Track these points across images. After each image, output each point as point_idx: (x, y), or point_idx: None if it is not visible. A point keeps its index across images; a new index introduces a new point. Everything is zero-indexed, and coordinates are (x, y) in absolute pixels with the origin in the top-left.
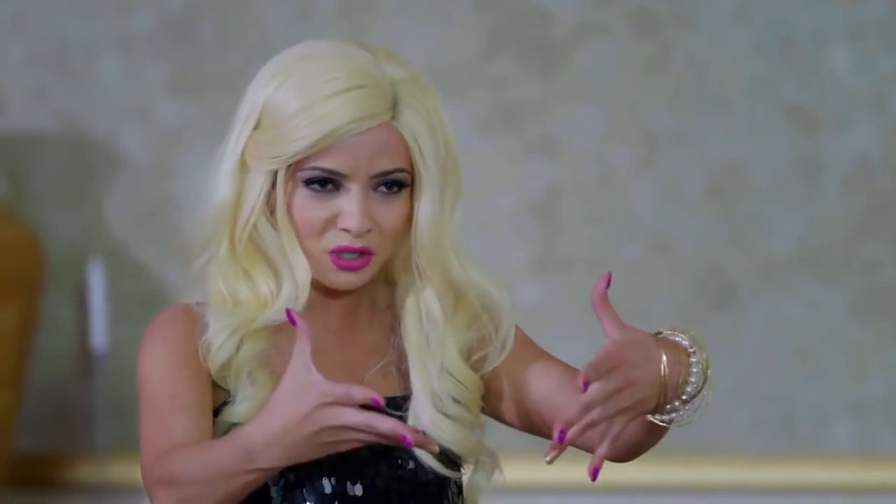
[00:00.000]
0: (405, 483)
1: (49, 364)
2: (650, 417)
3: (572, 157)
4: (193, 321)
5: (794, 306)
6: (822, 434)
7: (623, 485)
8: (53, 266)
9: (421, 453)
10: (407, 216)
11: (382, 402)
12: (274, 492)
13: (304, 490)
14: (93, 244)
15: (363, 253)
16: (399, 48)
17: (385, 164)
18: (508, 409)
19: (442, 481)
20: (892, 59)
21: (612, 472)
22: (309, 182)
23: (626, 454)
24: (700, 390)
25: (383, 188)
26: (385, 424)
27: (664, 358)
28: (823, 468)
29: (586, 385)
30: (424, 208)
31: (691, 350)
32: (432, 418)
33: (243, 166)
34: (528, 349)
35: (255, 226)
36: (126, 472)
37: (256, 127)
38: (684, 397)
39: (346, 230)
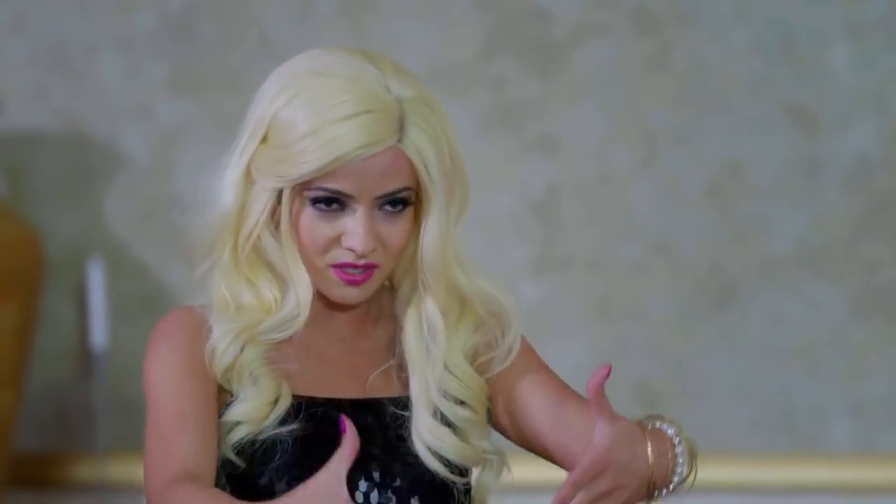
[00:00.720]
0: (412, 482)
1: (49, 363)
2: None
3: (572, 157)
4: (198, 325)
5: (794, 305)
6: (821, 433)
7: None
8: (53, 265)
9: (427, 458)
10: (410, 232)
11: None
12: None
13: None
14: (93, 243)
15: (367, 267)
16: (399, 48)
17: (391, 185)
18: (502, 418)
19: (445, 479)
20: (892, 58)
21: None
22: (315, 201)
23: None
24: (686, 477)
25: (388, 207)
26: None
27: (650, 453)
28: (823, 467)
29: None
30: (431, 227)
31: (676, 439)
32: (430, 428)
33: (248, 178)
34: (528, 361)
35: (258, 237)
36: (126, 471)
37: (263, 141)
38: (671, 486)
39: (350, 249)
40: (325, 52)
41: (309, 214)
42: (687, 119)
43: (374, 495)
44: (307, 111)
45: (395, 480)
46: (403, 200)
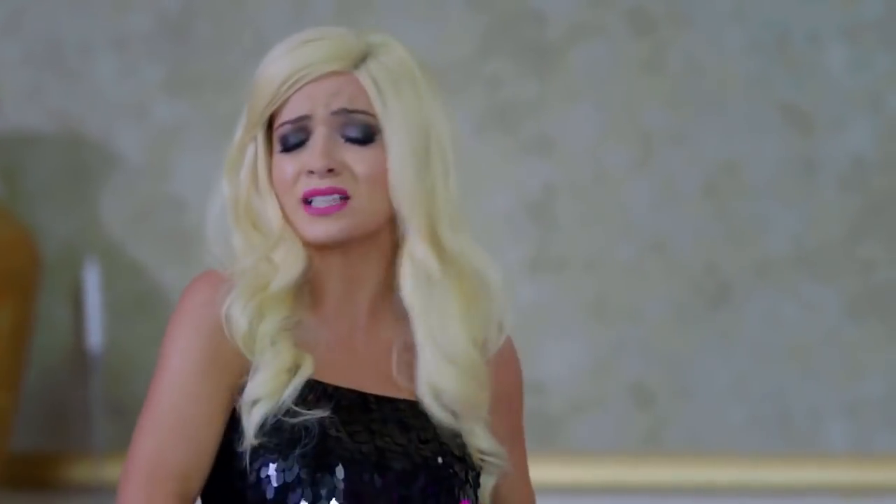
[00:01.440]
0: (431, 485)
1: (45, 364)
2: None
3: (568, 157)
4: (225, 293)
5: (789, 306)
6: (817, 434)
7: (618, 484)
8: (49, 266)
9: (433, 408)
10: (383, 164)
11: None
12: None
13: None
14: (88, 244)
15: (335, 194)
16: None
17: (345, 102)
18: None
19: (462, 483)
20: (888, 58)
21: (608, 472)
22: (283, 143)
23: None
24: None
25: (353, 133)
26: None
27: None
28: (819, 468)
29: None
30: (393, 159)
31: None
32: (438, 366)
33: (240, 153)
34: (513, 421)
35: (249, 202)
36: None
37: (244, 114)
38: None
39: (311, 172)
40: None
41: (279, 159)
42: (683, 119)
43: (394, 494)
44: (273, 54)
45: (414, 482)
46: (366, 129)
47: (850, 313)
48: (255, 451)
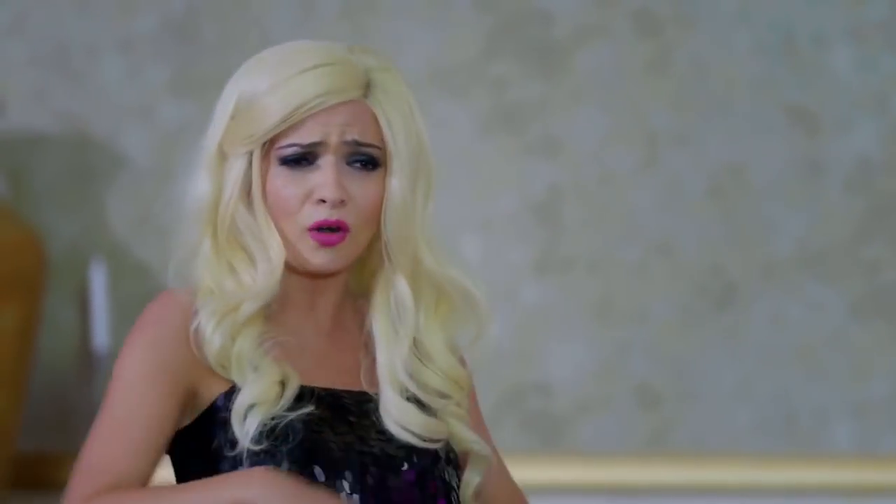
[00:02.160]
0: (405, 493)
1: (50, 365)
2: None
3: (573, 158)
4: (185, 311)
5: (794, 307)
6: (822, 435)
7: (623, 485)
8: (55, 267)
9: (399, 433)
10: (381, 198)
11: None
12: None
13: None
14: (94, 245)
15: (339, 228)
16: (399, 49)
17: (357, 134)
18: None
19: (445, 492)
20: (893, 59)
21: (613, 473)
22: (284, 160)
23: None
24: None
25: (358, 164)
26: None
27: None
28: (824, 469)
29: None
30: (394, 188)
31: None
32: (397, 405)
33: (220, 157)
34: (475, 413)
35: (233, 215)
36: None
37: (232, 118)
38: None
39: (322, 200)
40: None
41: (279, 176)
42: (688, 121)
43: (380, 482)
44: (269, 72)
45: (399, 469)
46: (372, 160)
47: (855, 314)
48: (240, 452)
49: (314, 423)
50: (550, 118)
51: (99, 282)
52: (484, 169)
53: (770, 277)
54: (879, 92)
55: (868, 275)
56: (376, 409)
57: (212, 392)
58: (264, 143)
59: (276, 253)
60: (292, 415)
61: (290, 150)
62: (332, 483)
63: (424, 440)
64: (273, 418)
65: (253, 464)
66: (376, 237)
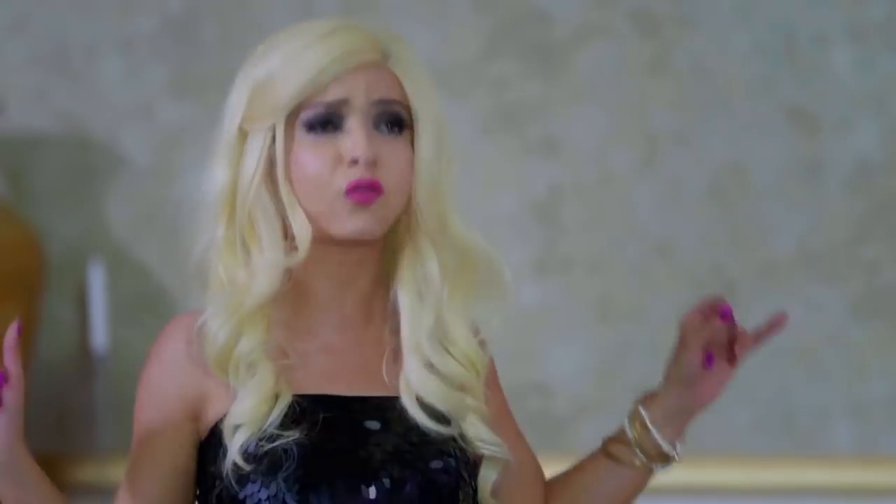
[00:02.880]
0: (422, 489)
1: (49, 365)
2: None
3: (573, 159)
4: (188, 335)
5: (794, 307)
6: (822, 435)
7: None
8: (54, 267)
9: (413, 410)
10: (411, 163)
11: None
12: (288, 497)
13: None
14: (94, 245)
15: (374, 188)
16: None
17: (385, 91)
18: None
19: (456, 483)
20: (893, 60)
21: None
22: (311, 125)
23: None
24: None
25: (385, 127)
26: None
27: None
28: (824, 469)
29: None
30: (424, 150)
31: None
32: (418, 374)
33: (241, 139)
34: (504, 414)
35: (256, 194)
36: None
37: (249, 100)
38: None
39: (354, 161)
40: None
41: (306, 145)
42: (688, 121)
43: (384, 495)
44: (281, 49)
45: (405, 486)
46: (399, 120)
47: (855, 315)
48: (242, 479)
49: (315, 444)
50: (550, 118)
51: (98, 282)
52: (484, 169)
53: (770, 278)
54: (879, 92)
55: (868, 275)
56: (389, 415)
57: (216, 412)
58: (287, 116)
59: (303, 231)
60: (289, 438)
61: (314, 112)
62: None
63: (440, 419)
64: (268, 439)
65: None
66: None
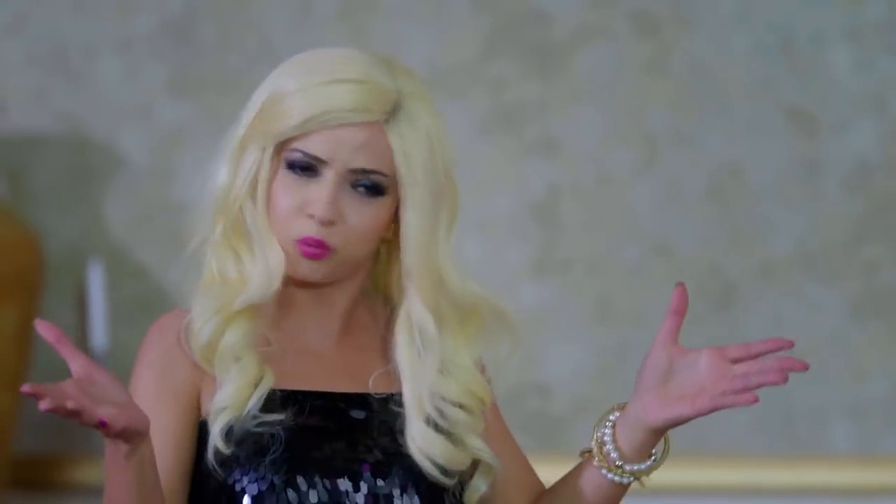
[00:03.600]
0: (406, 476)
1: (49, 366)
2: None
3: (572, 159)
4: (176, 330)
5: (793, 307)
6: (821, 436)
7: None
8: (53, 267)
9: (420, 460)
10: (384, 224)
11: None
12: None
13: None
14: (93, 245)
15: (321, 247)
16: (399, 50)
17: (365, 162)
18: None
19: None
20: (892, 60)
21: None
22: (290, 164)
23: None
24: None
25: (362, 189)
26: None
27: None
28: (823, 470)
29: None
30: (411, 222)
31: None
32: (422, 435)
33: (241, 150)
34: (499, 426)
35: (239, 208)
36: None
37: (258, 113)
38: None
39: (311, 216)
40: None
41: (283, 179)
42: (687, 121)
43: (368, 487)
44: (302, 75)
45: (388, 474)
46: (378, 188)
47: (854, 315)
48: (228, 464)
49: (300, 432)
50: (549, 118)
51: (97, 282)
52: (483, 169)
53: (769, 278)
54: (878, 92)
55: (867, 275)
56: (373, 412)
57: (206, 408)
58: (278, 143)
59: (274, 259)
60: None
61: (295, 156)
62: (317, 491)
63: (444, 473)
64: (254, 423)
65: (236, 473)
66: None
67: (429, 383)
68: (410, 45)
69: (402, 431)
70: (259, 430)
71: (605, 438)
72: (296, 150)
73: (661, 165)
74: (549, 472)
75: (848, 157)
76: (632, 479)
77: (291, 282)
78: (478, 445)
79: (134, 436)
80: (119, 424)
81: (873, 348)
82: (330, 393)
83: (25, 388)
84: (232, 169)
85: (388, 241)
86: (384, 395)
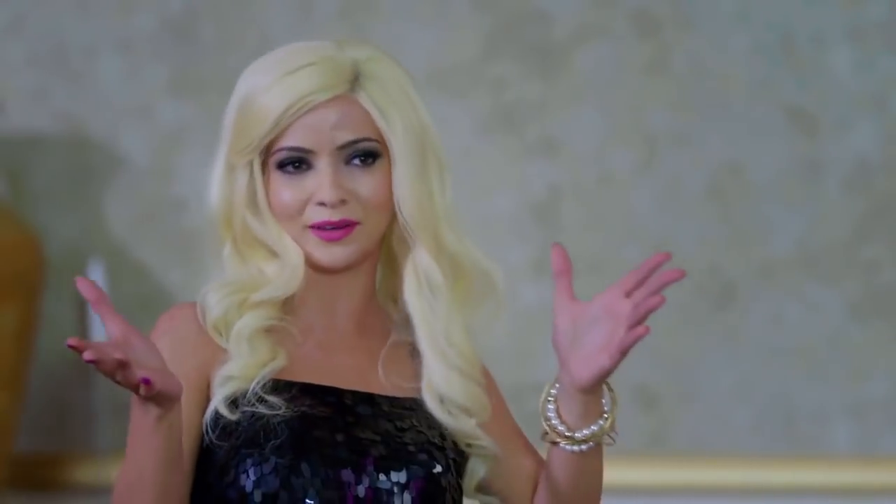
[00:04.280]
0: (409, 474)
1: (49, 365)
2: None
3: (572, 159)
4: (193, 316)
5: (793, 307)
6: (821, 435)
7: (622, 485)
8: (53, 267)
9: (436, 410)
10: (388, 187)
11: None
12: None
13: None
14: (93, 245)
15: (345, 225)
16: (399, 49)
17: (348, 135)
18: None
19: (436, 459)
20: (892, 60)
21: (611, 473)
22: (281, 166)
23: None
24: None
25: (357, 161)
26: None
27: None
28: (823, 469)
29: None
30: (400, 176)
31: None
32: (443, 374)
33: (231, 171)
34: (502, 414)
35: (244, 225)
36: None
37: (233, 128)
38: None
39: (321, 204)
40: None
41: (278, 181)
42: (687, 121)
43: (370, 481)
44: (263, 77)
45: (391, 470)
46: (370, 153)
47: (854, 315)
48: (233, 448)
49: (307, 420)
50: (549, 118)
51: (97, 282)
52: (483, 169)
53: (769, 278)
54: (878, 92)
55: (867, 275)
56: (378, 409)
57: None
58: (262, 152)
59: (294, 257)
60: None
61: (282, 155)
62: (320, 479)
63: (467, 410)
64: (260, 404)
65: (240, 456)
66: (391, 231)
67: (442, 326)
68: (410, 45)
69: (406, 429)
70: (265, 412)
71: (550, 415)
72: (280, 149)
73: (661, 165)
74: None
75: (848, 157)
76: (591, 443)
77: (305, 281)
78: (474, 433)
79: (167, 400)
80: (157, 386)
81: (873, 348)
82: (338, 389)
83: (71, 340)
84: (224, 189)
85: (389, 243)
86: (391, 397)
